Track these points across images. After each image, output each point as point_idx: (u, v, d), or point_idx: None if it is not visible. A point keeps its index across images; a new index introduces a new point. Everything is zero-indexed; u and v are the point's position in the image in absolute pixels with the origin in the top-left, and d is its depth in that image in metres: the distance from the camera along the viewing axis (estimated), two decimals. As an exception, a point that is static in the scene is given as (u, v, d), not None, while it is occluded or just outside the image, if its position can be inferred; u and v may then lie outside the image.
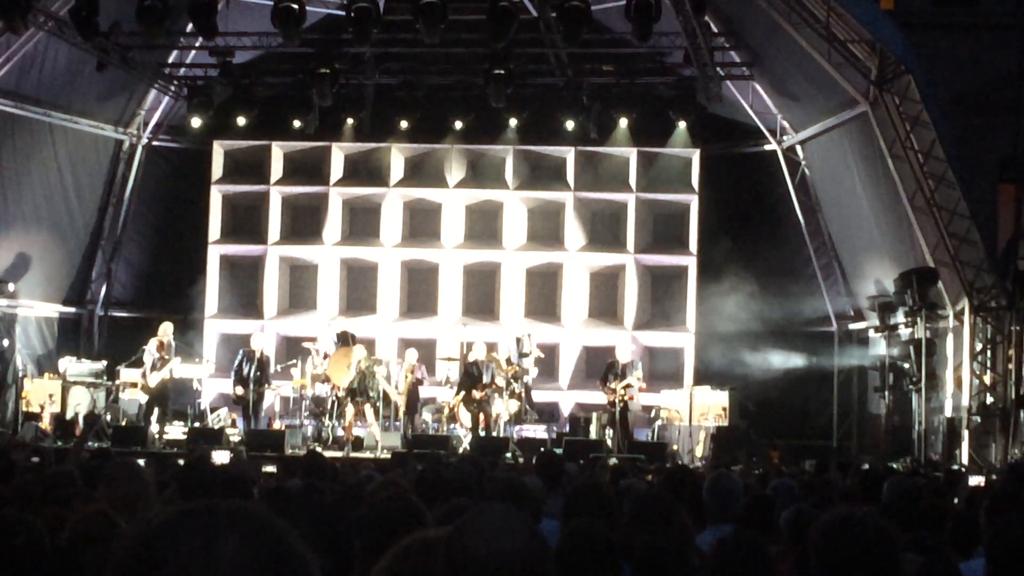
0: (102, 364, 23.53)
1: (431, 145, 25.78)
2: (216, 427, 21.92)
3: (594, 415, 22.50)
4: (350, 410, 21.00)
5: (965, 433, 20.57)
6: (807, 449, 22.20)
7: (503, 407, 21.34)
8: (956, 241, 20.51)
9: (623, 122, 24.56)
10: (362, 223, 26.16)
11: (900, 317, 22.55)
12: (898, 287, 21.83)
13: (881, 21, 20.81)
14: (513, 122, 24.65)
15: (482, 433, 20.96)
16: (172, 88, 25.82)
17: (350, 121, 25.40)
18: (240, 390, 21.36)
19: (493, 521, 2.62)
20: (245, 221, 26.39)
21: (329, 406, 21.62)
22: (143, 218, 26.87)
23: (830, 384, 24.82)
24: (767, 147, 25.36)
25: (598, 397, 22.36)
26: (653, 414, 22.84)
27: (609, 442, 21.02)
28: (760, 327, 24.20)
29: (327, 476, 9.25)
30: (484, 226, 25.88)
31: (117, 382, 22.91)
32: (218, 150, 26.06)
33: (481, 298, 25.84)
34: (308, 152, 26.08)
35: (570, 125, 24.58)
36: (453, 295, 25.64)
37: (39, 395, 22.59)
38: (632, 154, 25.38)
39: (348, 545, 4.42)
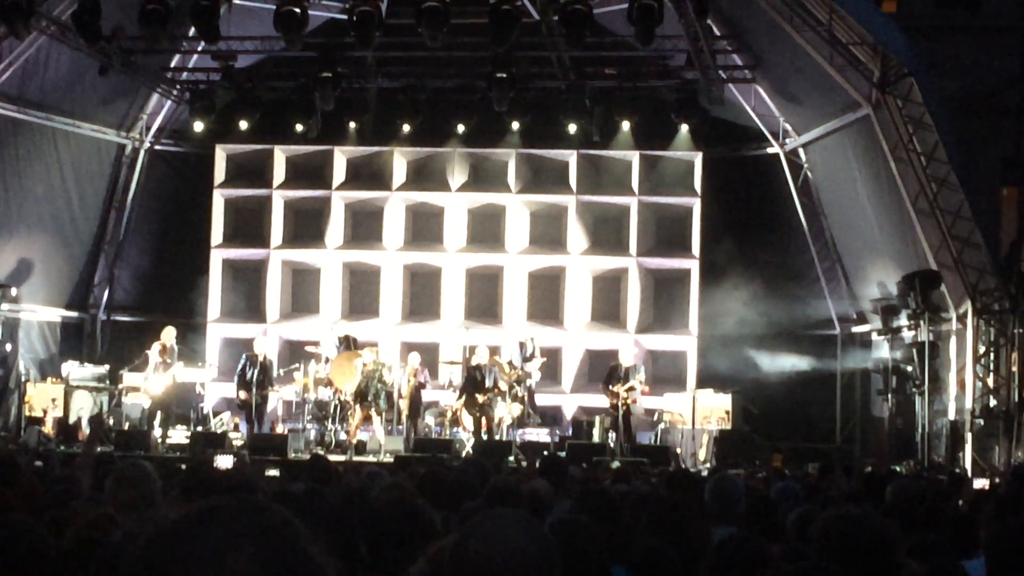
0: (105, 368, 23.55)
1: (433, 149, 25.78)
2: (219, 431, 21.91)
3: (597, 418, 22.51)
4: (357, 414, 20.99)
5: (968, 436, 20.55)
6: (810, 452, 22.18)
7: (506, 411, 21.33)
8: (959, 244, 20.50)
9: (625, 125, 24.55)
10: (364, 227, 26.16)
11: (903, 320, 22.52)
12: (901, 290, 21.81)
13: (883, 24, 20.80)
14: (515, 125, 24.64)
15: (485, 437, 20.96)
16: (174, 92, 25.84)
17: (352, 125, 25.40)
18: (243, 394, 21.38)
19: (501, 525, 2.61)
20: (247, 225, 26.39)
21: (332, 410, 21.63)
22: (146, 222, 26.87)
23: (833, 387, 24.81)
24: (769, 150, 25.35)
25: (601, 400, 22.36)
26: (656, 417, 22.83)
27: (612, 445, 21.02)
28: (763, 330, 24.19)
29: (332, 480, 9.26)
30: (486, 229, 25.88)
31: (120, 386, 22.92)
32: (220, 154, 26.08)
33: (483, 302, 25.83)
34: (310, 156, 26.09)
35: (572, 128, 24.58)
36: (455, 299, 25.64)
37: (42, 400, 22.60)
38: (635, 157, 25.37)
39: (353, 548, 4.42)
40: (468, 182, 25.92)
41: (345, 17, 20.75)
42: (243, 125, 24.74)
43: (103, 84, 23.77)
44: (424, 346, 24.12)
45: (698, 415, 22.04)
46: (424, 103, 24.76)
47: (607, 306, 25.78)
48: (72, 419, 22.22)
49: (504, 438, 21.15)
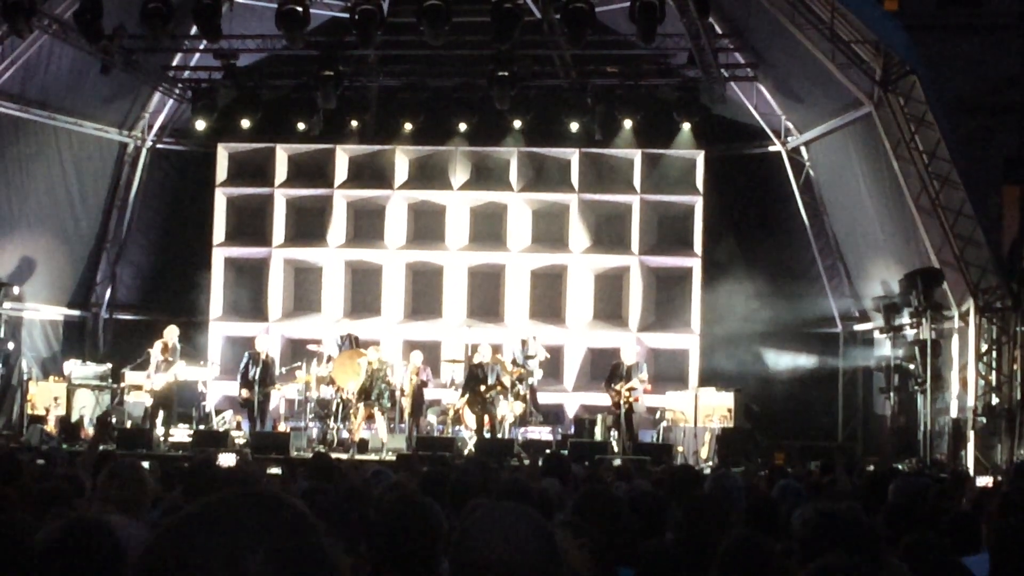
0: (107, 367, 23.54)
1: (435, 147, 25.78)
2: (221, 429, 21.91)
3: (599, 417, 22.50)
4: (360, 412, 20.99)
5: (970, 434, 20.55)
6: (812, 450, 22.16)
7: (508, 409, 21.34)
8: (961, 242, 20.50)
9: (627, 124, 24.54)
10: (366, 225, 26.16)
11: (905, 318, 22.53)
12: (903, 288, 21.81)
13: (885, 22, 20.81)
14: (517, 124, 24.64)
15: (487, 435, 20.96)
16: (176, 91, 25.84)
17: (354, 123, 25.39)
18: (245, 392, 21.39)
19: (502, 520, 2.61)
20: (249, 223, 26.38)
21: (334, 408, 21.64)
22: (147, 221, 26.88)
23: (835, 385, 24.80)
24: (771, 148, 25.34)
25: (603, 399, 22.35)
26: (658, 415, 22.82)
27: (614, 444, 21.02)
28: (765, 328, 24.18)
29: (334, 478, 9.26)
30: (488, 228, 25.88)
31: (122, 385, 22.92)
32: (222, 153, 26.08)
33: (486, 300, 25.83)
34: (312, 154, 26.08)
35: (574, 127, 24.56)
36: (458, 297, 25.63)
37: (44, 398, 22.60)
38: (636, 155, 25.36)
39: (354, 545, 4.42)
40: (470, 180, 25.92)
41: (347, 15, 20.77)
42: (245, 123, 24.74)
43: (105, 83, 23.78)
44: (426, 344, 24.12)
45: (700, 413, 22.02)
46: (426, 101, 24.76)
47: (609, 304, 25.78)
48: (74, 417, 22.21)
49: (506, 436, 21.16)
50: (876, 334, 24.16)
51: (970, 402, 20.82)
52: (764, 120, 24.94)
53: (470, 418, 21.36)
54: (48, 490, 6.72)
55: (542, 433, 22.40)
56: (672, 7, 19.75)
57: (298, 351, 23.96)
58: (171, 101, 26.23)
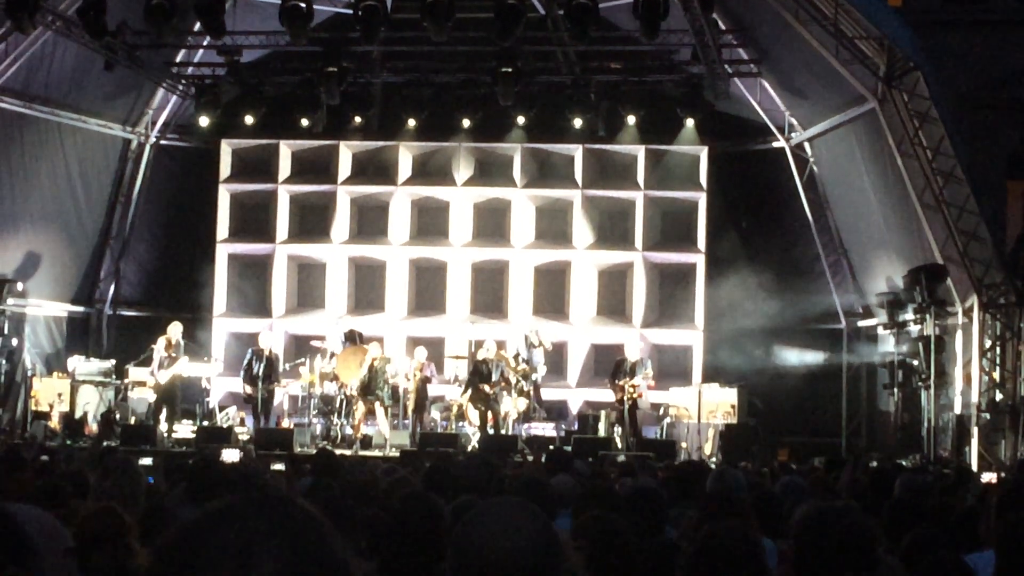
0: (111, 363, 23.56)
1: (439, 143, 25.77)
2: (225, 426, 21.93)
3: (603, 413, 22.50)
4: (360, 408, 21.00)
5: (974, 430, 20.54)
6: (816, 446, 22.17)
7: (512, 405, 21.35)
8: (965, 238, 20.48)
9: (631, 119, 24.51)
10: (370, 221, 26.16)
11: (909, 314, 22.51)
12: (907, 284, 21.80)
13: (889, 17, 20.79)
14: (521, 120, 24.63)
15: (491, 431, 20.96)
16: (180, 87, 25.84)
17: (358, 119, 25.36)
18: (249, 389, 21.39)
19: (503, 515, 2.61)
20: (253, 220, 26.40)
21: (337, 404, 21.65)
22: (151, 217, 26.89)
23: (839, 381, 24.79)
24: (775, 144, 25.32)
25: (607, 395, 22.36)
26: (662, 411, 22.83)
27: (618, 440, 21.02)
28: (769, 324, 24.18)
29: (338, 474, 9.28)
30: (492, 224, 25.87)
31: (126, 381, 22.94)
32: (226, 149, 26.08)
33: (489, 296, 25.83)
34: (316, 151, 26.08)
35: (578, 123, 24.54)
36: (461, 293, 25.64)
37: (48, 394, 22.63)
38: (640, 151, 25.36)
39: (356, 541, 4.42)
40: (473, 177, 25.92)
41: (350, 12, 20.77)
42: (248, 120, 24.73)
43: (108, 79, 23.77)
44: (430, 340, 24.11)
45: (704, 409, 22.03)
46: (429, 98, 24.75)
47: (613, 300, 25.78)
48: (78, 414, 22.24)
49: (510, 432, 21.16)
50: (880, 330, 24.15)
51: (974, 398, 20.80)
52: (768, 116, 24.93)
53: (473, 414, 21.36)
54: (50, 486, 6.73)
55: (546, 429, 22.40)
56: (676, 3, 19.73)
57: (302, 347, 23.97)
58: (175, 97, 26.24)
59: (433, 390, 22.55)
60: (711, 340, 24.94)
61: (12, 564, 2.24)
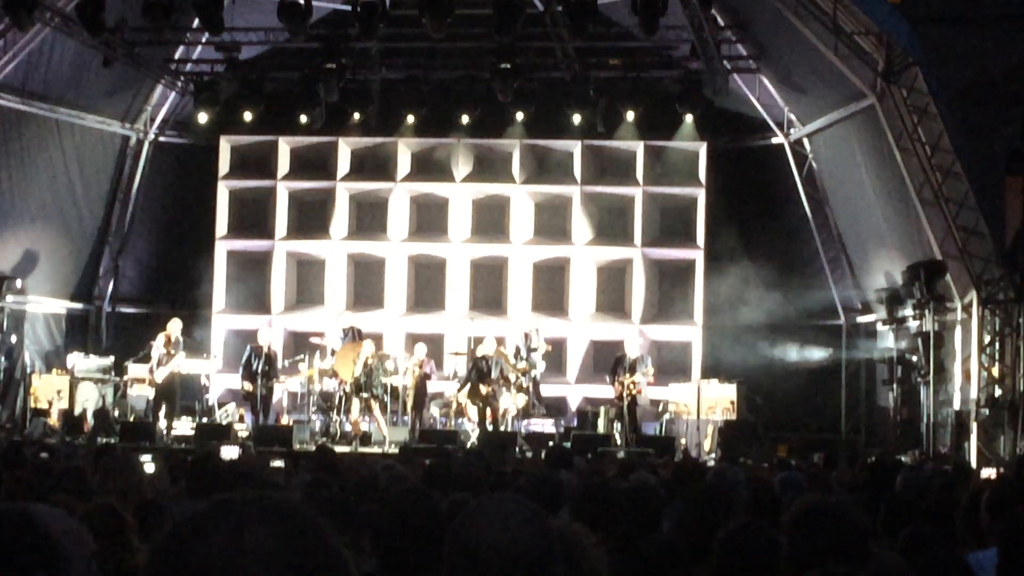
0: (110, 360, 23.57)
1: (438, 139, 25.76)
2: (224, 423, 21.92)
3: (602, 409, 22.50)
4: (356, 405, 21.01)
5: (974, 426, 20.54)
6: (815, 442, 22.17)
7: (511, 401, 21.35)
8: (964, 233, 20.47)
9: (630, 116, 24.52)
10: (369, 218, 26.16)
11: (908, 310, 22.52)
12: (906, 280, 21.80)
13: (888, 13, 20.77)
14: (520, 116, 24.62)
15: (490, 428, 20.96)
16: (178, 84, 25.84)
17: (357, 116, 25.37)
18: (248, 385, 21.39)
19: (499, 511, 2.61)
20: (252, 216, 26.39)
21: (337, 401, 21.65)
22: (150, 214, 26.89)
23: (838, 377, 24.78)
24: (774, 140, 25.32)
25: (606, 391, 22.36)
26: (661, 408, 22.84)
27: (617, 436, 21.03)
28: (768, 320, 24.18)
29: (337, 470, 9.29)
30: (491, 220, 25.87)
31: (125, 378, 22.93)
32: (225, 145, 26.07)
33: (488, 292, 25.83)
34: (315, 147, 26.07)
35: (577, 119, 24.54)
36: (460, 290, 25.63)
37: (47, 391, 22.64)
38: (639, 148, 25.35)
39: (358, 537, 4.42)
40: (472, 173, 25.91)
41: (349, 8, 20.78)
42: (247, 116, 24.73)
43: (107, 76, 23.76)
44: (429, 337, 24.10)
45: (703, 405, 22.04)
46: (428, 94, 24.75)
47: (612, 297, 25.78)
48: (77, 411, 22.25)
49: (509, 429, 21.17)
50: (879, 326, 24.15)
51: (973, 394, 20.80)
52: (767, 112, 24.93)
53: (472, 411, 21.37)
54: (50, 483, 6.73)
55: (545, 425, 22.41)
56: (674, -1, 19.74)
57: (301, 344, 23.97)
58: (173, 94, 26.23)
59: (432, 387, 22.54)
60: (710, 336, 24.95)
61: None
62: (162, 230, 26.97)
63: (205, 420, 22.11)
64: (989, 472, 14.20)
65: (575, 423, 23.18)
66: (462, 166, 25.81)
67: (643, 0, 19.20)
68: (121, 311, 26.82)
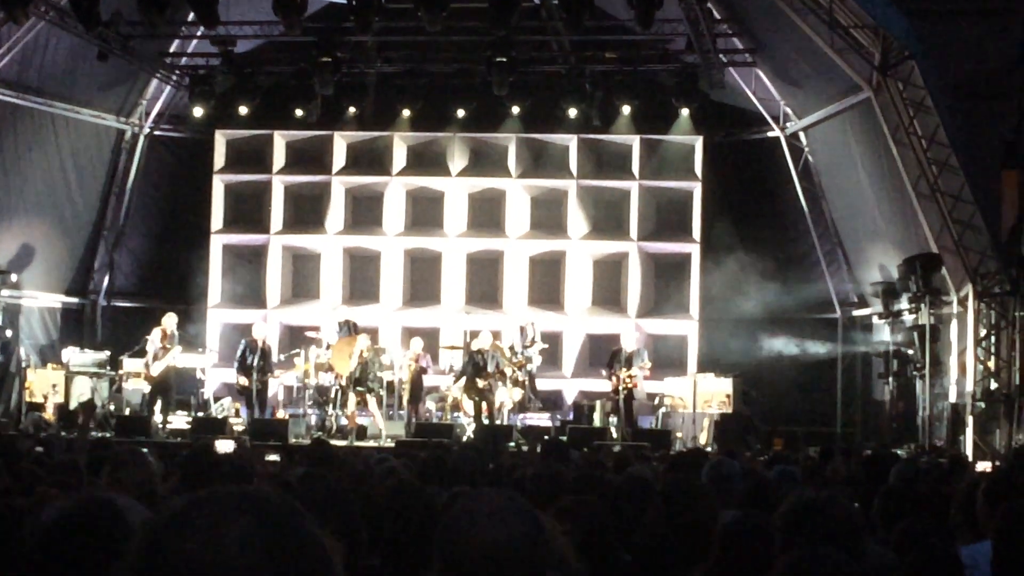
0: (105, 354, 23.55)
1: (433, 133, 25.75)
2: (220, 416, 21.92)
3: (598, 403, 22.52)
4: (352, 399, 21.00)
5: (969, 419, 20.55)
6: (811, 436, 22.19)
7: (507, 395, 21.34)
8: (960, 227, 20.48)
9: (626, 109, 24.52)
10: (365, 212, 26.15)
11: (904, 303, 22.53)
12: (902, 273, 21.81)
13: (884, 6, 20.75)
14: (515, 110, 24.61)
15: (485, 421, 20.96)
16: (174, 77, 25.80)
17: (352, 110, 25.35)
18: (244, 380, 21.37)
19: (489, 506, 2.60)
20: (247, 210, 26.37)
21: (333, 395, 21.63)
22: (145, 208, 26.86)
23: (834, 371, 24.81)
24: (770, 134, 25.32)
25: (602, 385, 22.37)
26: (657, 401, 22.84)
27: (613, 430, 21.04)
28: (764, 314, 24.19)
29: (334, 464, 9.27)
30: (487, 214, 25.86)
31: (120, 372, 22.92)
32: (220, 139, 26.05)
33: (484, 286, 25.82)
34: (310, 141, 26.06)
35: (572, 113, 24.54)
36: (456, 284, 25.63)
37: (42, 385, 22.61)
38: (635, 141, 25.35)
39: (354, 531, 4.41)
40: (468, 167, 25.90)
41: (344, 1, 20.72)
42: (243, 110, 24.71)
43: (102, 70, 23.72)
44: (425, 331, 24.12)
45: (699, 399, 22.04)
46: (424, 88, 24.74)
47: (608, 291, 25.78)
48: (72, 405, 22.22)
49: (505, 423, 21.16)
50: (875, 319, 24.17)
51: (969, 387, 20.81)
52: (763, 106, 24.92)
53: (468, 405, 21.36)
54: (45, 477, 6.72)
55: (541, 419, 22.43)
56: (670, -8, 19.71)
57: (296, 338, 23.96)
58: (168, 88, 26.20)
59: (428, 381, 22.53)
60: (706, 330, 24.96)
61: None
62: (157, 224, 26.95)
63: (200, 414, 22.12)
64: (984, 465, 14.23)
65: (571, 417, 23.20)
66: (458, 160, 25.79)
67: (639, -7, 19.18)
68: (116, 305, 26.80)
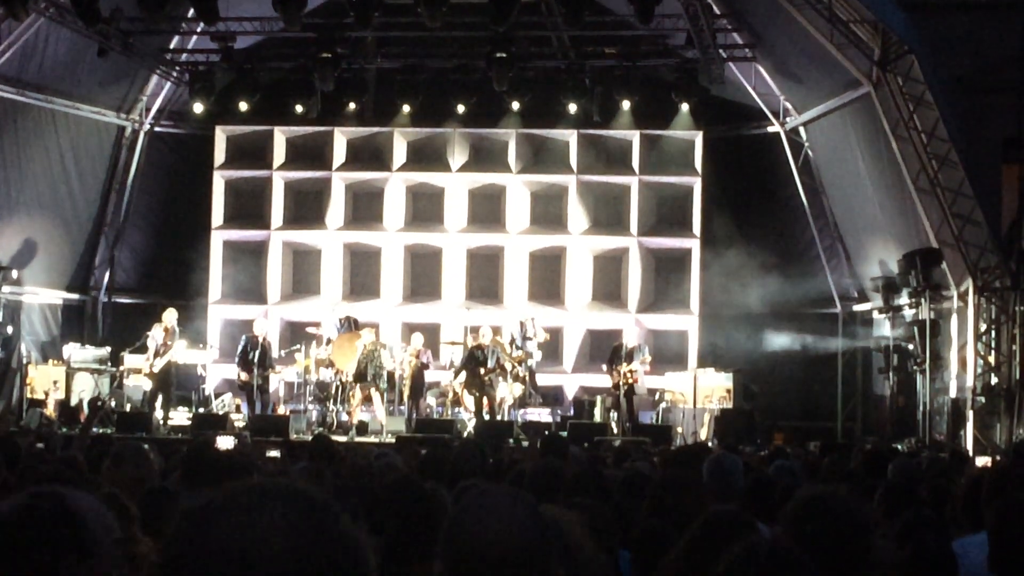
0: (106, 350, 23.57)
1: (433, 129, 25.75)
2: (220, 412, 21.93)
3: (598, 398, 22.53)
4: (357, 394, 21.00)
5: (970, 414, 20.56)
6: (812, 431, 22.21)
7: (507, 391, 21.35)
8: (960, 221, 20.48)
9: (626, 105, 24.50)
10: (365, 208, 26.15)
11: (904, 298, 22.54)
12: (902, 268, 21.82)
13: (884, 1, 20.75)
14: (515, 105, 24.59)
15: (486, 417, 20.97)
16: (174, 74, 25.79)
17: (352, 105, 25.33)
18: (244, 375, 21.39)
19: (495, 503, 2.61)
20: (248, 206, 26.38)
21: (333, 391, 21.65)
22: (146, 204, 26.86)
23: (834, 366, 24.81)
24: (770, 129, 25.31)
25: (602, 380, 22.38)
26: (657, 397, 22.85)
27: (614, 425, 21.05)
28: (764, 309, 24.20)
29: (334, 460, 9.28)
30: (487, 210, 25.86)
31: (121, 368, 22.93)
32: (220, 135, 26.05)
33: (485, 282, 25.83)
34: (310, 137, 26.06)
35: (572, 108, 24.52)
36: (456, 279, 25.63)
37: (43, 382, 22.64)
38: (635, 137, 25.35)
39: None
40: (468, 162, 25.90)
41: (344, -3, 20.70)
42: (243, 106, 24.69)
43: (102, 66, 23.71)
44: (425, 327, 24.11)
45: (699, 394, 22.05)
46: (424, 83, 24.72)
47: (608, 286, 25.78)
48: (74, 401, 22.25)
49: (505, 418, 21.17)
50: (875, 314, 24.18)
51: (969, 382, 20.82)
52: (763, 101, 24.91)
53: (469, 400, 21.37)
54: (46, 473, 6.73)
55: (541, 415, 22.43)
56: (670, -13, 19.71)
57: (297, 334, 23.97)
58: (169, 84, 26.18)
59: (429, 376, 22.54)
60: (706, 325, 24.98)
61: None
62: (158, 220, 26.95)
63: (201, 410, 22.13)
64: (985, 460, 14.23)
65: (572, 412, 23.20)
66: (458, 156, 25.80)
67: (639, -11, 19.18)
68: (117, 301, 26.80)
